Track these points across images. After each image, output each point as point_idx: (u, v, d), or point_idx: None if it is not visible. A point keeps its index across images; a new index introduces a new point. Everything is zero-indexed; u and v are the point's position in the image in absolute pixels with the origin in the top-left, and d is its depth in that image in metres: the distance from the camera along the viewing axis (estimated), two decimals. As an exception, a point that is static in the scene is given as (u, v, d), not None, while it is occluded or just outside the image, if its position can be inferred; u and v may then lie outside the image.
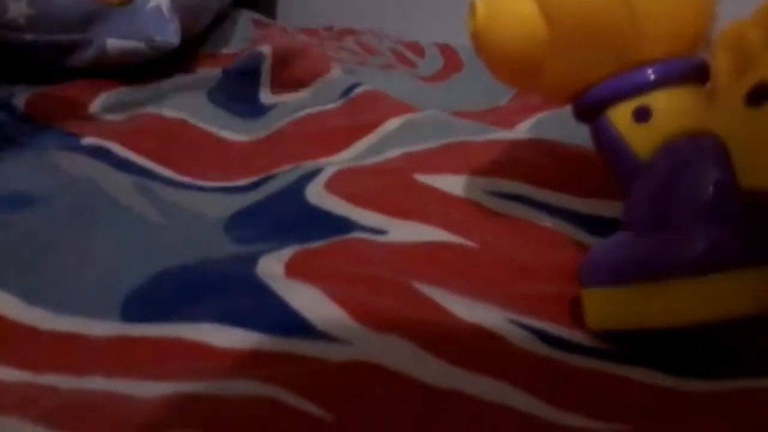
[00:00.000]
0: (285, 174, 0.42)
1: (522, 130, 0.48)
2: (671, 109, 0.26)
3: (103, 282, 0.30)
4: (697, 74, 0.27)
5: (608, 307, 0.24)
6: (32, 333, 0.27)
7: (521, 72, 0.29)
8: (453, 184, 0.38)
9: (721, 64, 0.25)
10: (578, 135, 0.32)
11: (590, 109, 0.28)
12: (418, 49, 0.90)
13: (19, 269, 0.31)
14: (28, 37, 0.73)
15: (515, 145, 0.42)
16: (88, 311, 0.28)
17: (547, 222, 0.35)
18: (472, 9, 0.29)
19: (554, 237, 0.34)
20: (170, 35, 0.70)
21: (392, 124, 0.47)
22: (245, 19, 0.87)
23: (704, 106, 0.26)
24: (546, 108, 0.50)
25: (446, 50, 0.87)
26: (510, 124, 0.49)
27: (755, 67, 0.23)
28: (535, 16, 0.27)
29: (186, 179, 0.44)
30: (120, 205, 0.38)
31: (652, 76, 0.26)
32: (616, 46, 0.27)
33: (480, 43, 0.29)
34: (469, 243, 0.33)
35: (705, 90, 0.26)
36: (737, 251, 0.22)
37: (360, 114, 0.51)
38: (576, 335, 0.26)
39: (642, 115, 0.26)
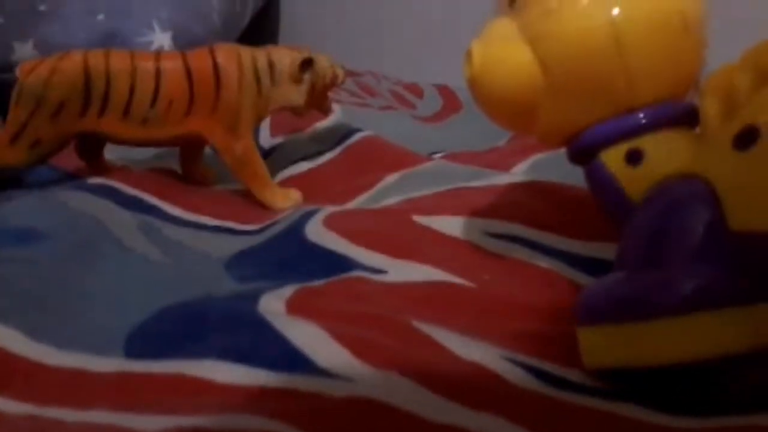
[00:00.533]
0: (286, 218, 0.43)
1: (519, 172, 0.49)
2: (662, 151, 0.27)
3: (106, 319, 0.31)
4: (687, 118, 0.27)
5: (602, 345, 0.25)
6: (37, 368, 0.27)
7: (517, 116, 0.30)
8: (451, 225, 0.39)
9: (709, 108, 0.26)
10: (574, 176, 0.33)
11: (584, 151, 0.29)
12: (416, 90, 0.91)
13: (24, 305, 0.31)
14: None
15: (512, 187, 0.43)
16: (91, 347, 0.28)
17: (543, 263, 0.35)
18: (469, 55, 0.29)
19: (550, 277, 0.35)
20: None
21: (391, 178, 0.48)
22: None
23: (694, 149, 0.26)
24: (542, 149, 0.51)
25: (445, 91, 0.88)
26: (507, 166, 0.50)
27: (742, 111, 0.24)
28: (531, 63, 0.28)
29: (191, 217, 0.45)
30: (123, 245, 0.39)
31: (644, 120, 0.27)
32: (608, 92, 0.27)
33: (476, 88, 0.30)
34: (467, 283, 0.34)
35: (695, 133, 0.27)
36: (727, 290, 0.22)
37: (359, 171, 0.52)
38: (571, 373, 0.26)
39: (634, 157, 0.27)
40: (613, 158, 0.28)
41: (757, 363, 0.23)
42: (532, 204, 0.41)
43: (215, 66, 0.46)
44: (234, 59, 0.46)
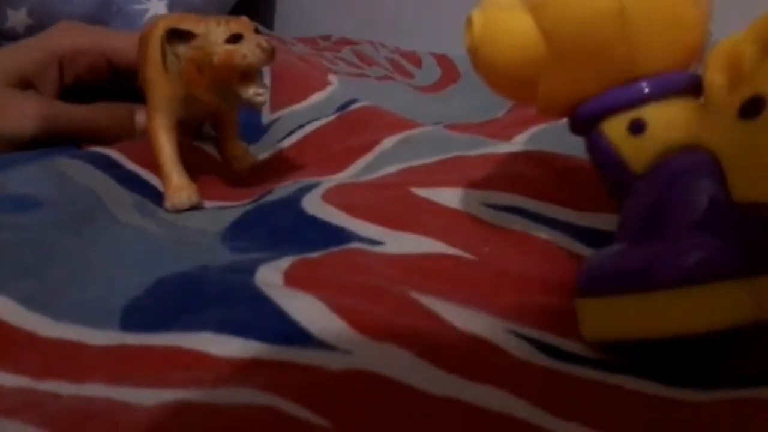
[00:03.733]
0: (282, 189, 0.42)
1: (519, 143, 0.48)
2: (665, 122, 0.26)
3: (102, 291, 0.31)
4: (691, 88, 0.27)
5: (601, 317, 0.24)
6: (31, 339, 0.27)
7: (517, 86, 0.29)
8: (450, 197, 0.39)
9: (714, 79, 0.25)
10: (574, 148, 0.33)
11: (585, 122, 0.28)
12: (415, 59, 0.90)
13: (20, 273, 0.31)
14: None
15: (512, 158, 0.42)
16: (87, 320, 0.28)
17: (543, 234, 0.35)
18: (469, 23, 0.29)
19: (551, 249, 0.34)
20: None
21: (389, 142, 0.48)
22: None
23: (698, 119, 0.26)
24: (542, 121, 0.51)
25: (443, 60, 0.87)
26: (507, 137, 0.49)
27: (748, 81, 0.24)
28: (532, 31, 0.27)
29: None
30: (119, 220, 0.38)
31: (647, 90, 0.27)
32: (611, 61, 0.27)
33: (476, 57, 0.29)
34: (466, 254, 0.34)
35: (699, 104, 0.27)
36: (729, 262, 0.22)
37: (357, 133, 0.51)
38: (572, 345, 0.26)
39: (637, 127, 0.27)
40: (615, 128, 0.27)
41: (760, 335, 0.23)
42: (532, 174, 0.40)
43: (143, 35, 0.44)
44: (151, 30, 0.43)
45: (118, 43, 0.56)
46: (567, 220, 0.36)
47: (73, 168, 0.44)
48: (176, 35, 0.40)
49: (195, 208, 0.42)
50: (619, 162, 0.27)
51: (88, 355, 0.26)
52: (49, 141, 0.50)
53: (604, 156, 0.28)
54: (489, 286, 0.31)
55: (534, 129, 0.51)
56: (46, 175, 0.42)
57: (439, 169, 0.43)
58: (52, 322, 0.28)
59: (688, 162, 0.25)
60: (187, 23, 0.40)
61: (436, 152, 0.45)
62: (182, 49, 0.40)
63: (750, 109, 0.22)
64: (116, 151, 0.46)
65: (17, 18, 0.73)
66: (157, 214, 0.41)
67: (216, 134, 0.48)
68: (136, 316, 0.28)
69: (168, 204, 0.42)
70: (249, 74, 0.40)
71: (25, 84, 0.51)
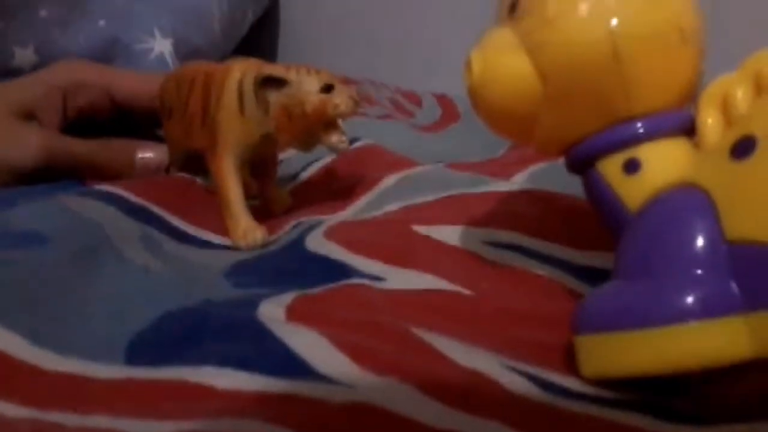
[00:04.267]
0: (286, 234, 0.43)
1: (518, 181, 0.49)
2: (660, 161, 0.27)
3: (106, 325, 0.31)
4: (685, 127, 0.28)
5: (599, 353, 0.25)
6: (37, 372, 0.27)
7: (516, 126, 0.30)
8: (450, 234, 0.39)
9: (706, 118, 0.26)
10: (572, 187, 0.33)
11: (582, 161, 0.29)
12: (415, 99, 0.91)
13: (26, 308, 0.31)
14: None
15: (511, 196, 0.43)
16: (92, 354, 0.28)
17: (542, 271, 0.36)
18: (468, 64, 0.30)
19: (549, 286, 0.35)
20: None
21: (390, 180, 0.48)
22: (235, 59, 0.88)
23: (692, 158, 0.27)
24: (541, 160, 0.51)
25: (443, 100, 0.88)
26: (507, 175, 0.50)
27: (740, 121, 0.24)
28: (530, 73, 0.28)
29: (194, 231, 0.45)
30: (124, 254, 0.39)
31: (641, 130, 0.27)
32: (606, 102, 0.27)
33: (476, 98, 0.30)
34: (466, 291, 0.34)
35: (693, 143, 0.27)
36: (724, 299, 0.23)
37: (359, 172, 0.52)
38: (570, 381, 0.26)
39: (632, 167, 0.27)
40: (610, 168, 0.28)
41: (757, 371, 0.23)
42: (530, 213, 0.41)
43: (206, 79, 0.44)
44: (226, 74, 0.43)
45: (121, 80, 0.57)
46: (566, 258, 0.36)
47: (79, 203, 0.44)
48: (269, 81, 0.41)
49: (266, 246, 0.43)
50: (615, 200, 0.28)
51: (93, 388, 0.26)
52: (50, 173, 0.50)
53: (600, 194, 0.28)
54: (488, 322, 0.31)
55: (533, 168, 0.52)
56: (52, 210, 0.42)
57: (439, 206, 0.44)
58: (58, 356, 0.28)
59: (683, 201, 0.25)
60: (275, 70, 0.41)
61: (437, 190, 0.45)
62: (273, 95, 0.41)
63: (741, 149, 0.23)
64: (121, 188, 0.47)
65: (24, 55, 0.74)
66: (162, 248, 0.41)
67: (257, 177, 0.48)
68: (140, 350, 0.29)
69: (242, 243, 0.42)
70: (334, 123, 0.42)
71: (29, 116, 0.52)
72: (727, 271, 0.23)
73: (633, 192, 0.27)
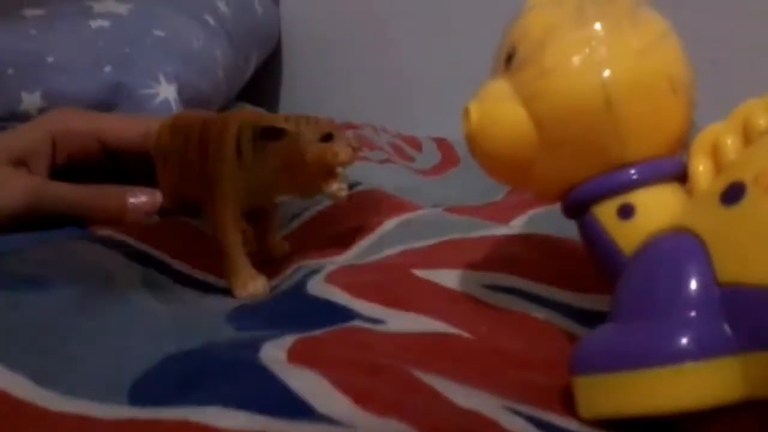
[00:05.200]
0: (288, 280, 0.44)
1: (517, 226, 0.50)
2: (653, 206, 0.28)
3: (109, 367, 0.31)
4: (677, 174, 0.28)
5: (596, 394, 0.25)
6: (43, 414, 0.28)
7: (513, 172, 0.31)
8: (449, 278, 0.40)
9: (698, 166, 0.27)
10: (570, 231, 0.34)
11: (577, 206, 0.30)
12: (415, 143, 0.92)
13: (31, 350, 0.32)
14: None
15: (510, 240, 0.44)
16: (96, 395, 0.29)
17: (540, 314, 0.36)
18: (466, 113, 0.31)
19: (547, 329, 0.35)
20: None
21: (390, 224, 0.49)
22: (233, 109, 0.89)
23: (684, 204, 0.27)
24: (539, 205, 0.52)
25: (443, 144, 0.89)
26: (505, 220, 0.51)
27: (730, 168, 0.25)
28: (525, 122, 0.29)
29: (196, 274, 0.46)
30: (127, 297, 0.39)
31: (635, 176, 0.28)
32: (600, 150, 0.28)
33: (473, 145, 0.31)
34: (466, 334, 0.34)
35: (685, 189, 0.28)
36: (717, 341, 0.23)
37: (359, 216, 0.52)
38: (568, 422, 0.26)
39: (626, 212, 0.28)
40: (605, 213, 0.29)
41: (748, 412, 0.23)
42: (529, 256, 0.41)
43: (203, 130, 0.44)
44: (223, 125, 0.43)
45: (110, 124, 0.58)
46: (564, 301, 0.37)
47: (81, 247, 0.45)
48: (267, 133, 0.41)
49: (267, 294, 0.43)
50: (610, 245, 0.28)
51: (97, 428, 0.27)
52: (38, 218, 0.51)
53: (595, 239, 0.29)
54: (488, 365, 0.32)
55: (531, 212, 0.52)
56: (55, 255, 0.43)
57: (439, 251, 0.44)
58: (63, 397, 0.28)
59: (676, 245, 0.26)
60: (273, 121, 0.41)
61: (436, 234, 0.46)
62: (272, 146, 0.41)
63: (730, 195, 0.24)
64: (122, 233, 0.48)
65: (31, 100, 0.75)
66: (164, 291, 0.42)
67: (256, 224, 0.48)
68: (144, 391, 0.29)
69: (243, 293, 0.42)
70: (333, 171, 0.42)
71: (19, 164, 0.53)
72: (720, 313, 0.23)
73: (628, 236, 0.28)
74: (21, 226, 0.50)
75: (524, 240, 0.44)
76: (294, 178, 0.42)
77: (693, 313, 0.24)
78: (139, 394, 0.29)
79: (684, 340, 0.23)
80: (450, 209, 0.55)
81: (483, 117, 0.30)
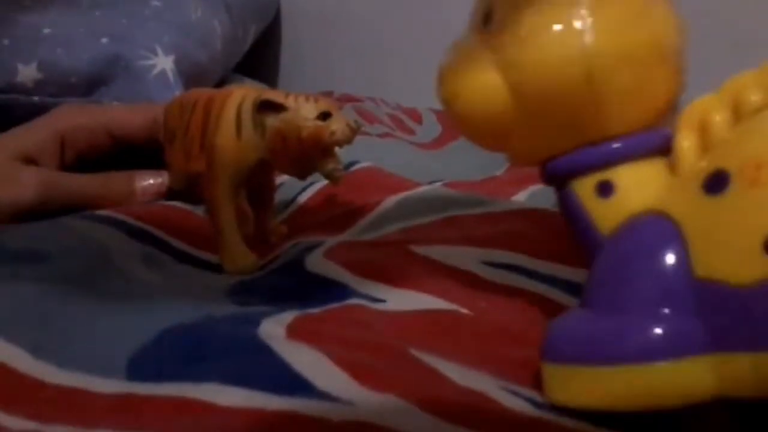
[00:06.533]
0: (286, 253, 0.44)
1: (518, 201, 0.49)
2: (634, 185, 0.26)
3: (108, 341, 0.31)
4: (661, 148, 0.27)
5: (565, 384, 0.25)
6: (40, 385, 0.28)
7: (490, 139, 0.30)
8: (449, 254, 0.39)
9: (683, 143, 0.25)
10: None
11: (555, 178, 0.28)
12: (416, 116, 0.92)
13: (28, 322, 0.32)
14: (35, 99, 0.74)
15: (510, 216, 0.43)
16: (93, 368, 0.29)
17: (540, 290, 0.36)
18: (440, 79, 0.29)
19: (547, 305, 0.35)
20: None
21: (390, 202, 0.49)
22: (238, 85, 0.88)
23: (666, 185, 0.26)
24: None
25: (443, 117, 0.89)
26: (506, 195, 0.50)
27: (715, 150, 0.24)
28: (501, 89, 0.27)
29: (195, 252, 0.45)
30: (126, 271, 0.39)
31: (614, 151, 0.27)
32: (579, 122, 0.27)
33: (449, 111, 0.30)
34: (465, 311, 0.34)
35: (669, 165, 0.26)
36: (690, 339, 0.22)
37: (358, 195, 0.52)
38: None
39: (605, 190, 0.27)
40: (584, 188, 0.27)
41: (722, 410, 0.23)
42: (529, 232, 0.41)
43: (208, 103, 0.44)
44: (226, 97, 0.43)
45: (117, 115, 0.58)
46: (565, 277, 0.37)
47: (81, 224, 0.45)
48: (267, 106, 0.41)
49: (255, 270, 0.43)
50: (587, 222, 0.27)
51: (95, 402, 0.27)
52: (49, 211, 0.51)
53: (572, 214, 0.28)
54: (486, 342, 0.32)
55: (533, 187, 0.52)
56: (54, 230, 0.43)
57: (438, 227, 0.44)
58: (59, 370, 0.29)
59: (653, 232, 0.25)
60: (274, 95, 0.41)
61: (436, 211, 0.46)
62: (270, 120, 0.41)
63: (714, 184, 0.23)
64: (123, 213, 0.48)
65: (27, 72, 0.74)
66: (164, 267, 0.42)
67: (254, 205, 0.48)
68: (142, 366, 0.29)
69: (231, 268, 0.43)
70: (330, 150, 0.42)
71: (29, 161, 0.54)
72: (694, 308, 0.23)
73: (606, 215, 0.27)
74: (33, 219, 0.51)
75: (524, 215, 0.44)
76: (289, 153, 0.41)
77: (666, 309, 0.23)
78: (137, 368, 0.29)
79: (655, 338, 0.23)
80: (450, 184, 0.54)
81: (457, 82, 0.29)
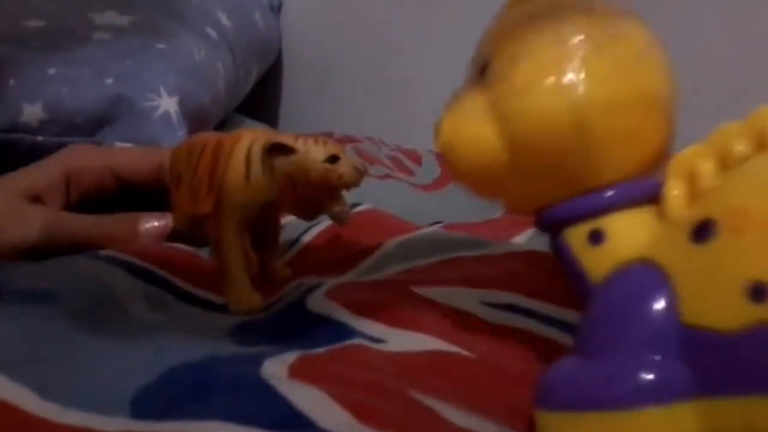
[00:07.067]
0: (288, 295, 0.44)
1: (517, 242, 0.50)
2: (624, 233, 0.27)
3: (111, 380, 0.31)
4: (652, 195, 0.27)
5: (558, 430, 0.25)
6: (45, 425, 0.28)
7: (485, 188, 0.30)
8: (449, 295, 0.40)
9: (672, 190, 0.26)
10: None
11: (549, 227, 0.29)
12: (415, 157, 0.92)
13: (34, 362, 0.32)
14: (39, 138, 0.75)
15: (510, 257, 0.44)
16: (97, 407, 0.29)
17: (540, 332, 0.36)
18: (437, 129, 0.30)
19: (546, 346, 0.35)
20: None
21: (390, 244, 0.49)
22: (246, 128, 0.89)
23: (655, 234, 0.26)
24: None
25: (443, 158, 0.89)
26: (505, 237, 0.51)
27: (703, 200, 0.24)
28: (496, 140, 0.28)
29: (198, 293, 0.46)
30: (130, 311, 0.39)
31: (606, 200, 0.27)
32: (572, 172, 0.27)
33: (445, 160, 0.30)
34: (465, 352, 0.35)
35: (659, 213, 0.27)
36: (678, 385, 0.23)
37: (359, 237, 0.53)
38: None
39: (596, 238, 0.27)
40: (575, 237, 0.28)
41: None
42: (529, 273, 0.42)
43: (217, 146, 0.45)
44: (235, 140, 0.43)
45: (123, 157, 0.59)
46: (564, 319, 0.37)
47: (85, 263, 0.45)
48: (276, 149, 0.41)
49: (259, 311, 0.43)
50: (579, 269, 0.28)
51: (99, 441, 0.27)
52: (53, 250, 0.51)
53: (565, 261, 0.28)
54: (486, 385, 0.32)
55: (532, 229, 0.52)
56: (59, 269, 0.43)
57: (438, 268, 0.44)
58: (64, 409, 0.29)
59: (642, 280, 0.25)
60: (283, 139, 0.41)
61: (436, 252, 0.46)
62: (279, 162, 0.41)
63: (701, 232, 0.23)
64: (126, 253, 0.48)
65: (32, 111, 0.75)
66: (167, 306, 0.42)
67: (259, 248, 0.48)
68: (145, 404, 0.29)
69: (236, 307, 0.43)
70: (337, 192, 0.42)
71: (35, 199, 0.54)
72: (682, 354, 0.23)
73: (597, 263, 0.27)
74: (37, 258, 0.51)
75: (524, 257, 0.44)
76: (297, 196, 0.42)
77: (654, 356, 0.23)
78: (141, 407, 0.29)
79: (643, 385, 0.23)
80: (450, 226, 0.55)
81: (453, 134, 0.29)
